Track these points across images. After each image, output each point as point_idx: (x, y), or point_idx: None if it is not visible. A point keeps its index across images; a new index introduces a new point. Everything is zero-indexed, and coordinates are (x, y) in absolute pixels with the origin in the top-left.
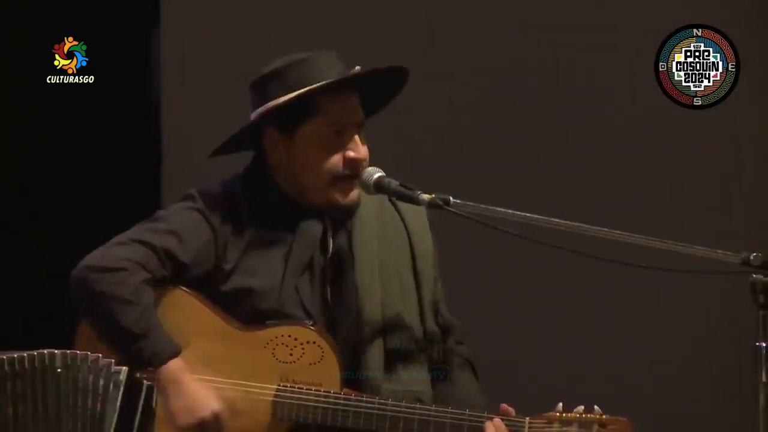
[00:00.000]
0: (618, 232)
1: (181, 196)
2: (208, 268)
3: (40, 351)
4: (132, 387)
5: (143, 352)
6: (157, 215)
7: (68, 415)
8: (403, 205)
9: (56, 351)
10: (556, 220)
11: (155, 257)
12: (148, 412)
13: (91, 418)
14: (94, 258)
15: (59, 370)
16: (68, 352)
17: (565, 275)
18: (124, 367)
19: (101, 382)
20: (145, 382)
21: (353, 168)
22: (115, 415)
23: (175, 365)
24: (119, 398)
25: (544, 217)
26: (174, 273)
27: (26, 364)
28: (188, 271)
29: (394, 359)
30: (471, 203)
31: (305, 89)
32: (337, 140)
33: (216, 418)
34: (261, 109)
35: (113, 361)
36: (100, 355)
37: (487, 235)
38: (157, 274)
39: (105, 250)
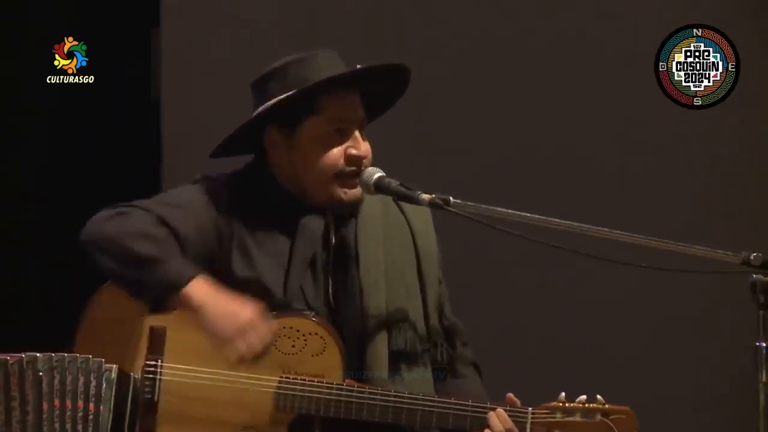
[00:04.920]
0: (618, 232)
1: (191, 181)
2: (208, 254)
3: (15, 354)
4: (122, 382)
5: (169, 274)
6: (162, 194)
7: (54, 419)
8: (408, 207)
9: (38, 354)
10: (556, 220)
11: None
12: (137, 405)
13: (84, 420)
14: (101, 214)
15: (41, 373)
16: (53, 354)
17: (565, 275)
18: (114, 365)
19: (93, 382)
20: (132, 375)
21: (355, 164)
22: (110, 415)
23: (200, 282)
24: (112, 397)
25: (544, 217)
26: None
27: None
28: (187, 250)
29: (397, 360)
30: (471, 203)
31: (308, 86)
32: (338, 138)
33: (254, 322)
34: (262, 107)
35: (103, 360)
36: (90, 356)
37: (487, 235)
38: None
39: (109, 209)
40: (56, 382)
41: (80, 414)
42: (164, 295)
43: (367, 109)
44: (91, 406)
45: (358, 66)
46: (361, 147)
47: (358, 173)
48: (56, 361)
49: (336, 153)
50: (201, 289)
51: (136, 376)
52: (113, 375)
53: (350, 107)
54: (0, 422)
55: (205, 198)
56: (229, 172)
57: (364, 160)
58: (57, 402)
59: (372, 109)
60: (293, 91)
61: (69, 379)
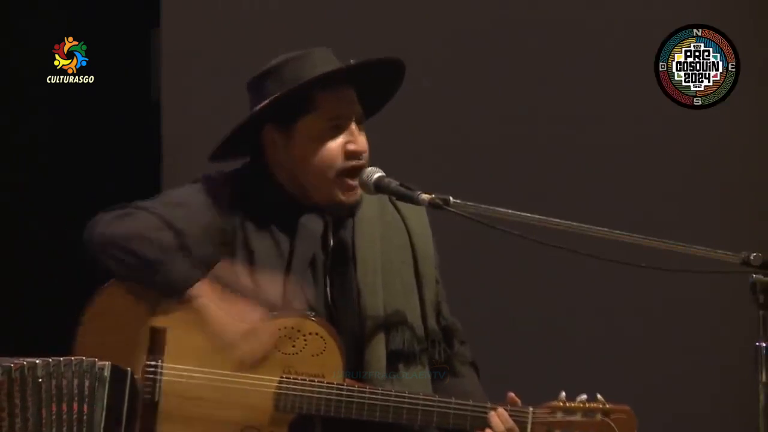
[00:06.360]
0: (618, 232)
1: (191, 180)
2: (214, 253)
3: (18, 362)
4: (116, 378)
5: (174, 276)
6: (164, 194)
7: (51, 423)
8: (405, 207)
9: (37, 360)
10: (556, 220)
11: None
12: (134, 401)
13: (78, 422)
14: (105, 215)
15: (40, 379)
16: (50, 359)
17: (565, 275)
18: (107, 362)
19: (86, 383)
20: (129, 369)
21: (355, 159)
22: (103, 414)
23: (205, 285)
24: (105, 396)
25: (544, 217)
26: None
27: None
28: (194, 249)
29: (395, 359)
30: (471, 203)
31: (303, 82)
32: (335, 134)
33: (255, 327)
34: (259, 106)
35: (96, 360)
36: (84, 357)
37: (487, 235)
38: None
39: (111, 211)
40: (53, 386)
41: (75, 416)
42: (169, 297)
43: (364, 104)
44: (85, 407)
45: (352, 61)
46: (360, 142)
47: (359, 168)
48: (53, 365)
49: (335, 149)
50: (205, 292)
51: (135, 374)
52: (106, 373)
53: (346, 103)
54: (4, 428)
55: (207, 198)
56: (228, 170)
57: (363, 155)
58: (54, 406)
59: (370, 103)
60: (288, 89)
61: (64, 382)
